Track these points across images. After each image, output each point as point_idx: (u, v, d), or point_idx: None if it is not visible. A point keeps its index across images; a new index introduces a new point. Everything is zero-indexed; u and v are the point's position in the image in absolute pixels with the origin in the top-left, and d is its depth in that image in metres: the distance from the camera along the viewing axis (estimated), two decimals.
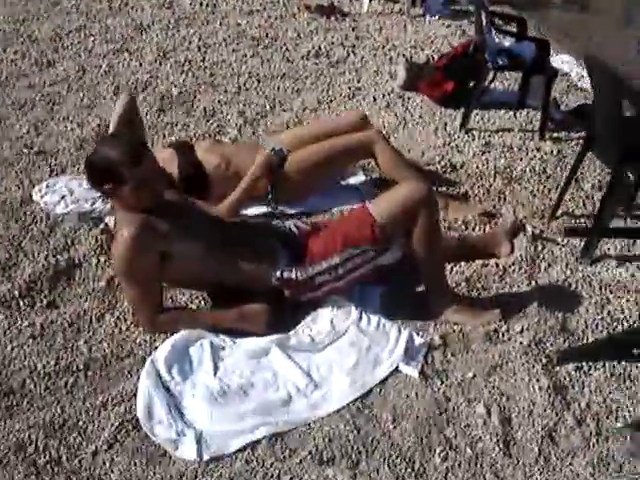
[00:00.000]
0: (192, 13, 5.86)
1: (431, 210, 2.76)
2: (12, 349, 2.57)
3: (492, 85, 4.67)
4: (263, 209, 3.47)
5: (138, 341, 2.63)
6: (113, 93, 4.50)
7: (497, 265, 3.18)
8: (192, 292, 2.87)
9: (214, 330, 2.67)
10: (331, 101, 4.66)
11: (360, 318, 2.77)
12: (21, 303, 2.78)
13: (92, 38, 5.29)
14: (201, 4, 6.05)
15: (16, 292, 2.81)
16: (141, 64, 4.93)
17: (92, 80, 4.67)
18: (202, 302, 2.85)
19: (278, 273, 2.73)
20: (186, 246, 2.63)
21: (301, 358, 2.60)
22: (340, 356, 2.62)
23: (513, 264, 3.19)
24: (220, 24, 5.71)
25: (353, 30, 5.77)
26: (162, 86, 4.64)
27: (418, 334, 2.74)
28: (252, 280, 2.74)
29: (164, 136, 4.09)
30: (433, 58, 5.12)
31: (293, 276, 2.73)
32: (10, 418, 2.35)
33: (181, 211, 2.75)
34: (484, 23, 4.38)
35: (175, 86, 4.65)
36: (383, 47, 5.51)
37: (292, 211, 3.49)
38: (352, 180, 3.76)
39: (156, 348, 2.59)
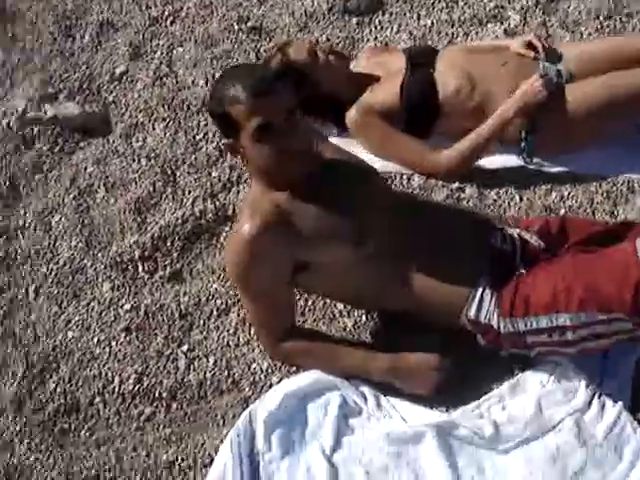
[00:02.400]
0: None
1: None
2: (98, 342, 1.96)
3: None
4: (511, 160, 2.42)
5: (253, 368, 1.88)
6: None
7: None
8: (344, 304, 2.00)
9: (357, 377, 1.83)
10: None
11: (587, 407, 1.75)
12: (140, 269, 2.11)
13: None
14: None
15: (137, 252, 2.13)
16: None
17: None
18: (363, 317, 1.97)
19: (472, 312, 1.78)
20: (337, 253, 1.76)
21: (468, 460, 1.68)
22: (529, 474, 1.66)
23: None
24: None
25: None
26: None
27: None
28: (432, 313, 1.83)
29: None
30: None
31: (494, 324, 1.76)
32: (61, 447, 1.80)
33: (352, 189, 1.82)
34: None
35: None
36: None
37: (553, 169, 2.40)
38: None
39: (270, 386, 1.83)
